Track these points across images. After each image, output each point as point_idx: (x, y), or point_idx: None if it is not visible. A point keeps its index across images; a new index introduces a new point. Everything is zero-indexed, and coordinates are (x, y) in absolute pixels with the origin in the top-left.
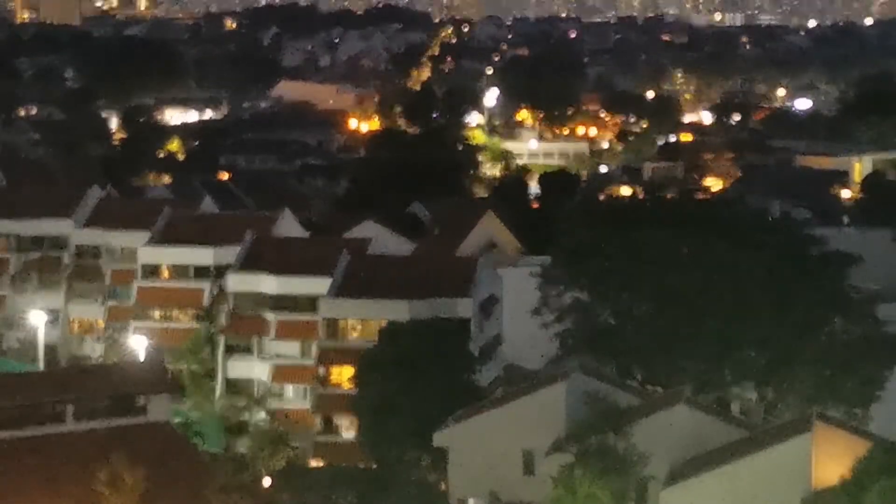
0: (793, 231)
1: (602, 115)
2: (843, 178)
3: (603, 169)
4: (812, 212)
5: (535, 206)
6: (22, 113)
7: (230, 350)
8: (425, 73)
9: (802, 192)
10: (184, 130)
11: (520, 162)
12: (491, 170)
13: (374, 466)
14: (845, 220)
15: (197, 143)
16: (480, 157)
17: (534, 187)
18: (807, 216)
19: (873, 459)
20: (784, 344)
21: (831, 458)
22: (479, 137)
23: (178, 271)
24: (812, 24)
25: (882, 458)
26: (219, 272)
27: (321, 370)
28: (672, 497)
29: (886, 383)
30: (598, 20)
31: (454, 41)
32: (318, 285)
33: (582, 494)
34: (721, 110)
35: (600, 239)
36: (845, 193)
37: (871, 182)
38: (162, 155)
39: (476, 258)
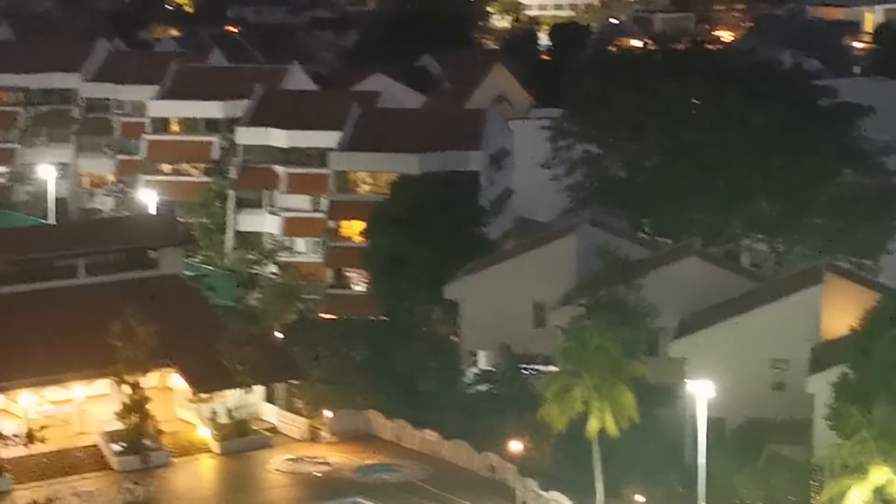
0: (804, 82)
1: None
2: (854, 28)
3: (613, 20)
4: (823, 62)
5: (545, 58)
6: None
7: (241, 204)
8: None
9: (814, 42)
10: None
11: (529, 13)
12: (500, 22)
13: (386, 319)
14: (856, 70)
15: None
16: (490, 9)
17: (544, 39)
18: (818, 67)
19: (883, 310)
20: (794, 195)
21: (841, 308)
22: None
23: (188, 125)
24: None
25: (892, 309)
26: (228, 126)
27: (332, 223)
28: (682, 348)
29: None
30: None
31: None
32: (327, 139)
33: (592, 346)
34: None
35: (610, 91)
36: (857, 44)
37: (883, 33)
38: (170, 7)
39: (486, 111)
